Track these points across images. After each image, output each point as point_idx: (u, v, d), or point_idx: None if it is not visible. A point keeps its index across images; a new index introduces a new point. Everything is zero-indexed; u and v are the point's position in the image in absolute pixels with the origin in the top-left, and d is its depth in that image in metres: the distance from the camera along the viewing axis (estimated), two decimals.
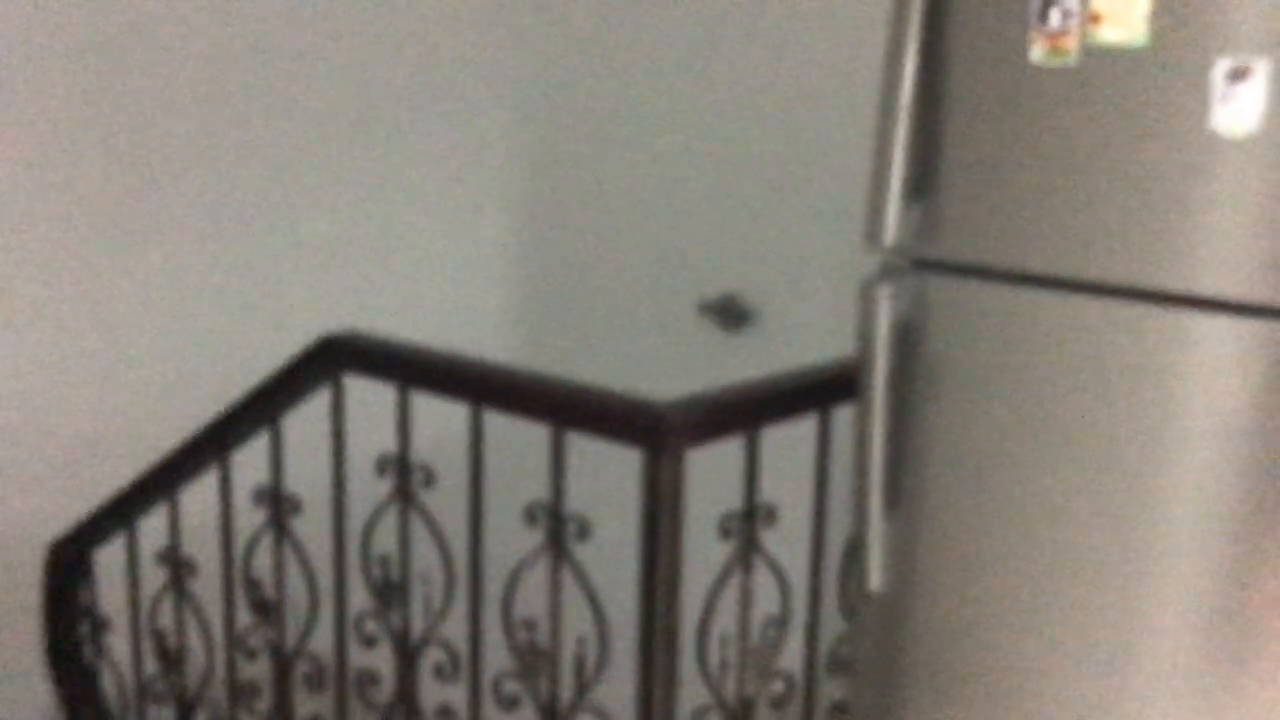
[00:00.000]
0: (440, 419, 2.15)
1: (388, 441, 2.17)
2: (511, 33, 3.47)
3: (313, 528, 2.36)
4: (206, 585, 2.59)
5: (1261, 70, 1.55)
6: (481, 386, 2.09)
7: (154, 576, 2.67)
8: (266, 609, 2.48)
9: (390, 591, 2.26)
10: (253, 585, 2.49)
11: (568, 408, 1.99)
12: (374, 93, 3.30)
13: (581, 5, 3.40)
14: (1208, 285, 1.63)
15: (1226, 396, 1.64)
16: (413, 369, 2.17)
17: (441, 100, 3.42)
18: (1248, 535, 1.65)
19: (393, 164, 3.37)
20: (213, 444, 2.46)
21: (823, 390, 2.06)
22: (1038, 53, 1.71)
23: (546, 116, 3.51)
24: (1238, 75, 1.56)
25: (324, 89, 3.22)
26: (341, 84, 3.25)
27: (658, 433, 1.86)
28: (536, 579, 2.04)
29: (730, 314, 3.19)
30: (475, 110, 3.48)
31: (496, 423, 2.05)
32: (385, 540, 2.23)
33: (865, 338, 1.90)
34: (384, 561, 2.25)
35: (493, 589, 2.10)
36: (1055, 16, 1.69)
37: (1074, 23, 1.68)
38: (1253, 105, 1.56)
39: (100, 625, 2.84)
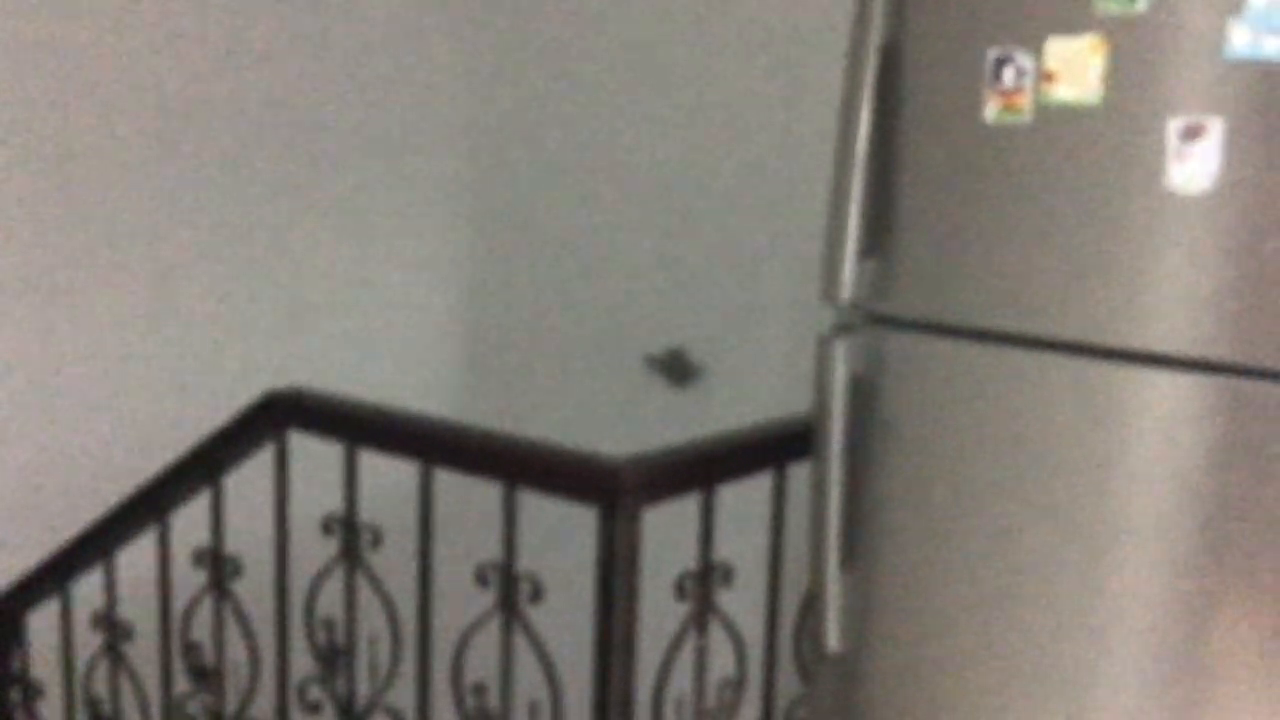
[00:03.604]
0: (388, 476, 2.11)
1: (333, 500, 2.12)
2: (458, 91, 3.46)
3: (255, 590, 2.30)
4: (143, 650, 2.52)
5: (1215, 128, 1.56)
6: (431, 444, 2.05)
7: (89, 641, 2.59)
8: (205, 675, 2.41)
9: (335, 656, 2.20)
10: (191, 650, 2.42)
11: (520, 465, 1.95)
12: (322, 151, 3.27)
13: (528, 61, 3.40)
14: (1163, 341, 1.64)
15: (1181, 452, 1.64)
16: (360, 427, 2.12)
17: (389, 158, 3.39)
18: (1203, 589, 1.64)
19: (339, 222, 3.34)
20: (151, 503, 2.39)
21: (779, 446, 2.04)
22: (991, 111, 1.72)
23: (493, 172, 3.50)
24: (1192, 133, 1.57)
25: (273, 147, 3.19)
26: (290, 142, 3.21)
27: (613, 491, 1.83)
28: (487, 642, 2.00)
29: (677, 369, 3.18)
30: (422, 167, 3.45)
31: (446, 481, 2.02)
32: (330, 603, 2.18)
33: (821, 393, 1.89)
34: (329, 625, 2.20)
35: (442, 652, 2.05)
36: (1009, 75, 1.70)
37: (1027, 81, 1.69)
38: (1207, 163, 1.57)
39: (33, 691, 2.75)
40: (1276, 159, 1.54)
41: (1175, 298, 1.62)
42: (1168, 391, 1.64)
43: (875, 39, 1.78)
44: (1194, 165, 1.57)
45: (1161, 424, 1.65)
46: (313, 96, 3.24)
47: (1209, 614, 1.64)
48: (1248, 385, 1.59)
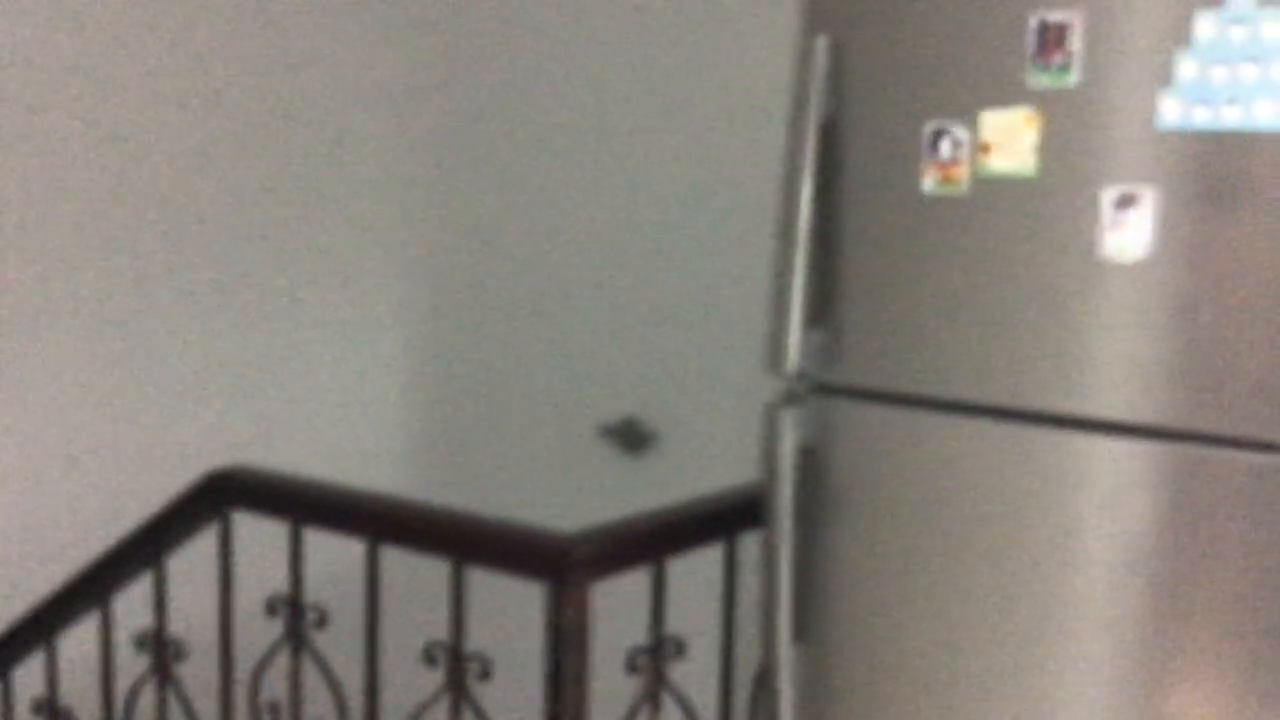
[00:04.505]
0: (334, 554, 2.08)
1: (278, 580, 2.08)
2: (409, 163, 3.47)
3: (199, 673, 2.25)
4: None
5: (1149, 197, 1.58)
6: (377, 522, 2.02)
7: None
8: None
9: None
10: None
11: (468, 542, 1.93)
12: (267, 223, 3.26)
13: (478, 136, 3.41)
14: (1103, 408, 1.65)
15: (1125, 517, 1.65)
16: (305, 505, 2.10)
17: (336, 229, 3.38)
18: (1152, 655, 1.64)
19: (285, 293, 3.32)
20: (93, 586, 2.35)
21: (728, 517, 2.03)
22: (929, 183, 1.74)
23: (442, 244, 3.50)
24: (1126, 202, 1.60)
25: (215, 219, 3.17)
26: (234, 215, 3.20)
27: (562, 566, 1.81)
28: None
29: (631, 437, 3.17)
30: (370, 238, 3.45)
31: (394, 558, 1.99)
32: (276, 685, 2.14)
33: (769, 463, 1.89)
34: (274, 708, 2.15)
35: None
36: (946, 147, 1.72)
37: (964, 153, 1.71)
38: (1140, 231, 1.59)
39: None
40: (1208, 227, 1.56)
41: (1112, 365, 1.63)
42: (1109, 457, 1.65)
43: (815, 114, 1.80)
44: (1128, 234, 1.60)
45: (1105, 489, 1.66)
46: (259, 171, 3.23)
47: (1161, 679, 1.64)
48: (1185, 450, 1.60)
